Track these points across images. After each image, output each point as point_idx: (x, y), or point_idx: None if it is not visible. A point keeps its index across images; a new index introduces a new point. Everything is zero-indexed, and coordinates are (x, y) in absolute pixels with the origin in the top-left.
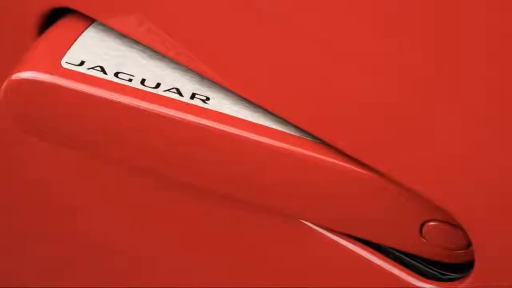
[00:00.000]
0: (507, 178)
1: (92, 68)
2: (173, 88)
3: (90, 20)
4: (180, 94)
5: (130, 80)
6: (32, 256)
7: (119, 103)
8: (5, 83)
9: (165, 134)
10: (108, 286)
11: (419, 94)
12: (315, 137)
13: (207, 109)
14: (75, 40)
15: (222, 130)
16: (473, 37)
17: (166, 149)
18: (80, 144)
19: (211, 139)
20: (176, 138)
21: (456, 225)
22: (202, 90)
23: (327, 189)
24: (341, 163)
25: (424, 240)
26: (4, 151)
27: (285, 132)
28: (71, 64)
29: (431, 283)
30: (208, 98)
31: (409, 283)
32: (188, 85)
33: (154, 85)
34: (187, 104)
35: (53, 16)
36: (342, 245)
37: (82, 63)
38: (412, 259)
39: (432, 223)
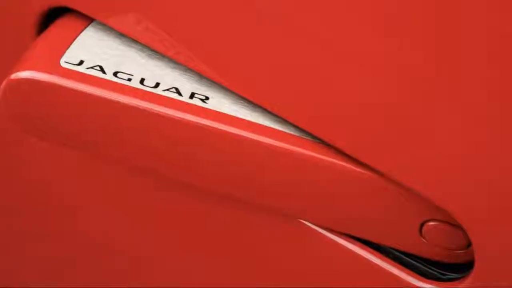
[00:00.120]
0: (507, 178)
1: (91, 67)
2: (172, 88)
3: (89, 20)
4: (179, 94)
5: (129, 79)
6: (32, 256)
7: (118, 102)
8: (4, 83)
9: (164, 134)
10: (108, 286)
11: (419, 94)
12: (314, 137)
13: (206, 108)
14: (74, 40)
15: (221, 130)
16: (473, 37)
17: (165, 149)
18: (79, 143)
19: (210, 138)
20: (175, 138)
21: (456, 225)
22: (201, 89)
23: (327, 189)
24: (340, 163)
25: (424, 240)
26: (4, 151)
27: (284, 132)
28: (70, 63)
29: (431, 283)
30: (207, 98)
31: (409, 283)
32: (187, 84)
33: (153, 85)
34: (186, 103)
35: (52, 16)
36: (341, 245)
37: (81, 62)
38: (412, 259)
39: (432, 223)
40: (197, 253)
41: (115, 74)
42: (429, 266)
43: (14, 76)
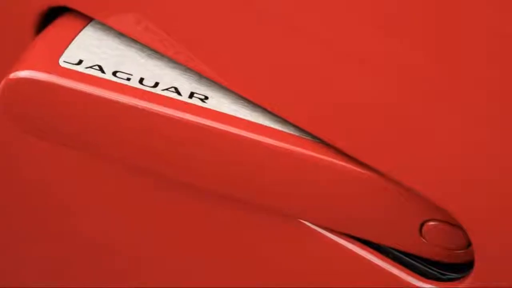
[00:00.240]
0: (507, 178)
1: (90, 67)
2: (171, 87)
3: (88, 19)
4: (179, 93)
5: (128, 79)
6: (32, 256)
7: (117, 102)
8: (3, 82)
9: (164, 133)
10: (108, 286)
11: (419, 94)
12: (314, 137)
13: (206, 108)
14: (73, 39)
15: (221, 129)
16: (473, 37)
17: (164, 148)
18: (78, 143)
19: (210, 138)
20: (174, 137)
21: (456, 225)
22: (201, 89)
23: (327, 189)
24: (341, 163)
25: (424, 240)
26: (4, 151)
27: (284, 132)
28: (69, 63)
29: (431, 283)
30: (206, 97)
31: (409, 283)
32: (186, 84)
33: (152, 84)
34: (186, 103)
35: (51, 15)
36: (341, 245)
37: (80, 62)
38: (411, 259)
39: (432, 223)
40: (197, 253)
41: (114, 73)
42: (429, 266)
43: (13, 75)
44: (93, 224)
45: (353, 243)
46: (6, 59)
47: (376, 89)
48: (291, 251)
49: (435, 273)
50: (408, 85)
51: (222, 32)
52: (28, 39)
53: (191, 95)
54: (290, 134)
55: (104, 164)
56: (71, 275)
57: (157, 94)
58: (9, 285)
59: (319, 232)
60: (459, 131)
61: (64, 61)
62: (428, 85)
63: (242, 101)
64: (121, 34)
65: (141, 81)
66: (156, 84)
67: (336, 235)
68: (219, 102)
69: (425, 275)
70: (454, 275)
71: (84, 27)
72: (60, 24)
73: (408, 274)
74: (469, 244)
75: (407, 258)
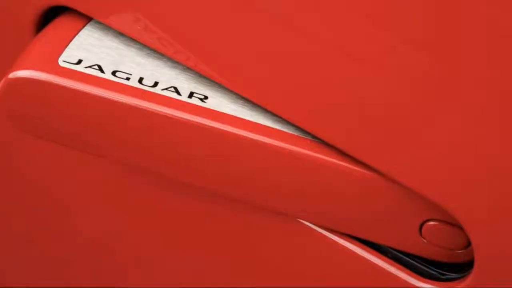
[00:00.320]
0: (507, 178)
1: (90, 66)
2: (171, 87)
3: (87, 19)
4: (178, 93)
5: (127, 78)
6: (32, 256)
7: (116, 102)
8: (2, 82)
9: (163, 133)
10: (108, 286)
11: (419, 94)
12: (314, 137)
13: (205, 107)
14: (72, 39)
15: (220, 129)
16: (472, 37)
17: (164, 148)
18: (77, 143)
19: (209, 138)
20: (174, 137)
21: (455, 225)
22: (200, 89)
23: (327, 189)
24: (341, 163)
25: (423, 240)
26: (3, 151)
27: (283, 131)
28: (69, 62)
29: (430, 283)
30: (206, 97)
31: (408, 283)
32: (186, 83)
33: (152, 84)
34: (185, 102)
35: (50, 15)
36: (341, 245)
37: (79, 61)
38: (411, 259)
39: (431, 222)
40: (197, 253)
41: (113, 73)
42: (429, 266)
43: (12, 75)
44: (93, 224)
45: (353, 243)
46: (5, 59)
47: (376, 89)
48: (291, 251)
49: (435, 273)
50: (408, 85)
51: (221, 32)
52: (27, 39)
53: (191, 95)
54: (290, 134)
55: (104, 164)
56: (71, 275)
57: (157, 93)
58: (9, 285)
59: (319, 232)
60: (459, 131)
61: (64, 61)
62: (428, 85)
63: (241, 101)
64: (120, 34)
65: (140, 80)
66: (156, 84)
67: (336, 235)
68: (219, 102)
69: (425, 275)
70: (454, 275)
71: (83, 26)
72: (60, 24)
73: (408, 274)
74: (469, 244)
75: (406, 258)
